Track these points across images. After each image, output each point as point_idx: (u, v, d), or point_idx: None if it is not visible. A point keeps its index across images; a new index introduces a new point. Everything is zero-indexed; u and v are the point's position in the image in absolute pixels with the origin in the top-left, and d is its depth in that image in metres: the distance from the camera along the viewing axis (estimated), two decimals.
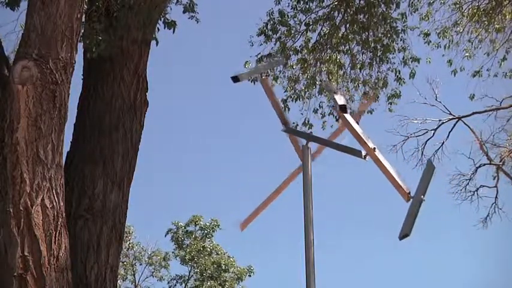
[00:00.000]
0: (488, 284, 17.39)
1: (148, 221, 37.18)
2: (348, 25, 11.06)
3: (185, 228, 26.85)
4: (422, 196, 4.59)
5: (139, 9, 7.28)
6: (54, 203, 5.22)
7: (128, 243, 26.09)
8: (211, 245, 26.44)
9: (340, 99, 5.48)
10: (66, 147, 6.77)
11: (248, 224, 5.00)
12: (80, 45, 6.70)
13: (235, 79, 4.59)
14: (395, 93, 11.46)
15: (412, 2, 11.31)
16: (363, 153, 5.01)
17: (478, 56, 12.49)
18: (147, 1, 7.32)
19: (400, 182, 4.81)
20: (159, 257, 27.12)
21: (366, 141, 5.00)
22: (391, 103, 11.49)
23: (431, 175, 4.69)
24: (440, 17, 12.02)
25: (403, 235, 4.44)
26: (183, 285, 26.64)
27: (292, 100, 11.80)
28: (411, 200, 4.57)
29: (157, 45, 7.65)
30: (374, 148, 4.91)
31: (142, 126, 7.42)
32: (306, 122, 11.65)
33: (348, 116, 5.22)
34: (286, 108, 11.24)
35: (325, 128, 11.54)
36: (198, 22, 8.45)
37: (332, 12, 11.16)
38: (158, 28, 7.69)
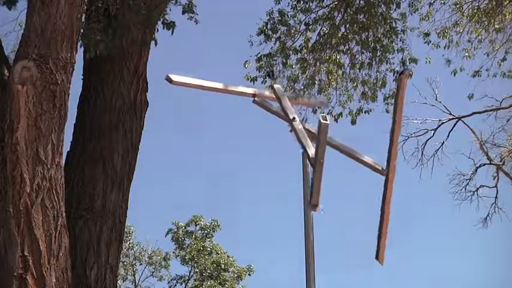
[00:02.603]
0: (488, 284, 17.42)
1: (148, 221, 37.17)
2: (347, 25, 11.07)
3: (185, 228, 26.85)
4: (321, 160, 4.46)
5: (139, 9, 7.28)
6: (54, 203, 5.22)
7: (128, 243, 26.08)
8: (211, 245, 26.46)
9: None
10: (66, 147, 6.77)
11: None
12: (80, 45, 6.71)
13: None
14: (393, 94, 11.48)
15: (412, 2, 11.32)
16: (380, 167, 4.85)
17: (478, 56, 12.50)
18: (147, 1, 7.32)
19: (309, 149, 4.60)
20: (159, 257, 27.12)
21: (287, 112, 4.80)
22: (388, 104, 11.51)
23: (326, 134, 4.54)
24: (440, 17, 12.03)
25: (313, 205, 4.35)
26: (184, 285, 26.65)
27: (292, 100, 11.78)
28: (313, 167, 4.43)
29: (156, 45, 7.66)
30: (293, 118, 4.76)
31: (143, 126, 7.42)
32: (304, 120, 11.65)
33: (278, 87, 5.10)
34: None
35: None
36: (197, 23, 8.46)
37: (332, 12, 11.17)
38: (157, 29, 7.70)
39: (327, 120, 4.52)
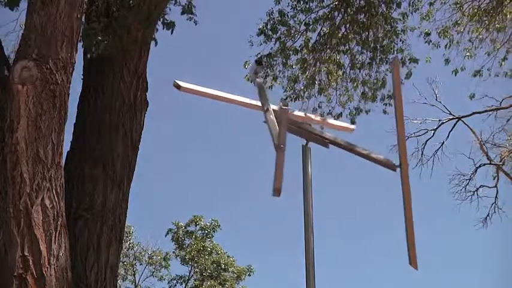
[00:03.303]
0: (488, 284, 17.41)
1: (148, 221, 37.19)
2: (348, 25, 11.08)
3: (185, 228, 26.85)
4: (282, 145, 4.43)
5: (138, 9, 7.28)
6: (54, 203, 5.22)
7: (128, 243, 26.11)
8: (211, 245, 26.46)
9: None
10: (66, 147, 6.77)
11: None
12: (80, 45, 6.71)
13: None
14: (392, 94, 11.47)
15: (412, 2, 11.33)
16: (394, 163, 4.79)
17: (478, 56, 12.51)
18: (147, 1, 7.32)
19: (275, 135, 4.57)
20: (159, 257, 27.13)
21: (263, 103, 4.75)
22: (386, 104, 11.52)
23: (286, 119, 4.54)
24: (441, 17, 12.03)
25: (274, 189, 4.32)
26: (184, 285, 26.65)
27: (292, 100, 11.81)
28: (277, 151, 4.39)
29: (156, 45, 7.66)
30: (267, 109, 4.74)
31: (143, 126, 7.42)
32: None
33: (259, 81, 5.04)
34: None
35: (324, 127, 11.54)
36: (196, 24, 8.46)
37: (332, 12, 11.18)
38: (157, 29, 7.70)
39: (287, 106, 4.55)
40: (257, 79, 4.99)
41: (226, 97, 4.91)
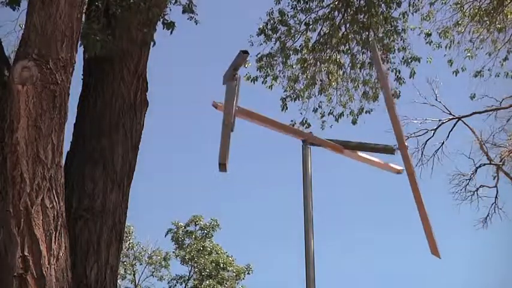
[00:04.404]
0: (488, 284, 17.40)
1: (148, 221, 37.19)
2: (348, 25, 11.07)
3: (185, 228, 26.86)
4: (231, 120, 4.31)
5: (138, 9, 7.28)
6: (54, 203, 5.21)
7: (128, 243, 26.10)
8: (211, 244, 26.46)
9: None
10: (66, 147, 6.77)
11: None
12: (80, 45, 6.70)
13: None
14: (394, 93, 11.48)
15: (413, 2, 11.32)
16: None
17: (479, 56, 12.50)
18: (147, 1, 7.31)
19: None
20: (159, 257, 27.13)
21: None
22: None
23: (236, 89, 4.39)
24: (441, 17, 12.02)
25: (220, 164, 4.28)
26: (183, 285, 26.65)
27: (292, 100, 11.81)
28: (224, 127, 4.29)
29: (154, 45, 7.65)
30: (237, 108, 4.64)
31: (143, 126, 7.42)
32: (304, 121, 11.67)
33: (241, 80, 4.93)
34: None
35: (324, 127, 11.57)
36: (197, 23, 8.45)
37: (332, 12, 11.18)
38: (156, 29, 7.69)
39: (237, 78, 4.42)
40: (235, 73, 4.88)
41: (263, 117, 4.76)
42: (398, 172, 4.78)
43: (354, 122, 11.64)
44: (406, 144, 4.76)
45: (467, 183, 17.40)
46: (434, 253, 4.51)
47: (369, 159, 4.85)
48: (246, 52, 4.45)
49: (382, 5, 10.89)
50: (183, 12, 8.26)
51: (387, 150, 4.81)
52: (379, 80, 5.01)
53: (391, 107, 4.70)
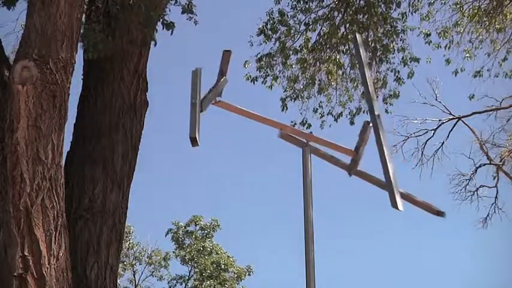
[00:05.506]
0: (488, 284, 17.39)
1: (148, 221, 37.19)
2: (347, 25, 11.08)
3: (185, 228, 26.86)
4: (194, 101, 4.45)
5: (138, 10, 7.28)
6: (54, 203, 5.22)
7: (128, 243, 26.11)
8: (211, 245, 26.46)
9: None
10: (66, 147, 6.77)
11: None
12: (80, 45, 6.71)
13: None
14: (393, 93, 11.49)
15: (412, 3, 11.32)
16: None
17: (478, 56, 12.50)
18: (147, 1, 7.32)
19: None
20: (159, 257, 27.14)
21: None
22: (387, 103, 11.51)
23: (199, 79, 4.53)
24: (441, 17, 12.03)
25: (191, 138, 4.37)
26: (183, 285, 26.66)
27: (292, 100, 11.81)
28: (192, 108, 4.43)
29: (155, 45, 7.66)
30: (219, 100, 4.77)
31: (143, 126, 7.42)
32: (304, 121, 11.68)
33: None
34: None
35: (323, 127, 11.58)
36: (196, 24, 8.45)
37: (332, 12, 11.18)
38: (156, 29, 7.70)
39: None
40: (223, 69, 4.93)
41: (261, 117, 4.88)
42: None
43: (352, 123, 11.65)
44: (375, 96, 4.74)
45: (467, 183, 17.42)
46: (394, 205, 4.39)
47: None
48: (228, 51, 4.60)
49: (382, 5, 10.89)
50: (183, 12, 8.26)
51: (438, 213, 4.64)
52: (361, 75, 5.01)
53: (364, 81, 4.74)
